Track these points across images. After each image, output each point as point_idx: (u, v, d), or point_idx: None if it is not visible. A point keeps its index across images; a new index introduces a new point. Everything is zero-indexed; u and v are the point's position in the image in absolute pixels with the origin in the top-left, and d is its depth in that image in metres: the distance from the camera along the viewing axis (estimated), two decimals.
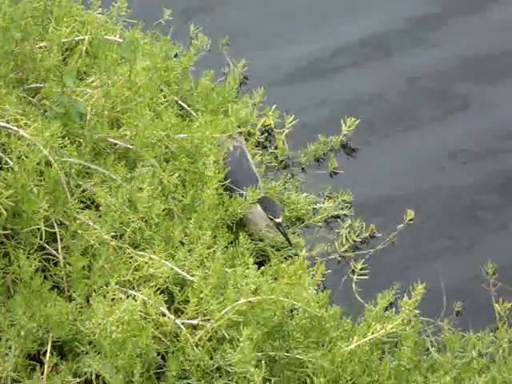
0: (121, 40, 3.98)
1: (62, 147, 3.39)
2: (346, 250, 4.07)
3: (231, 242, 3.65)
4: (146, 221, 3.46)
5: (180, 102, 4.12)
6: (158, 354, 3.15)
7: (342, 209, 4.18)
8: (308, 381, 3.14)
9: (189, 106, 4.14)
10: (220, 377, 3.12)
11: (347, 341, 3.28)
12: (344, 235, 4.09)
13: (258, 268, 3.49)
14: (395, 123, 4.55)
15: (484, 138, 4.48)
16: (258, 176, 3.95)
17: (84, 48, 3.95)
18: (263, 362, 3.05)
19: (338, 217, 4.18)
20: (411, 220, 4.09)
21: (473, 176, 4.35)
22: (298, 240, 3.97)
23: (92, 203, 3.50)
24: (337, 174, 4.36)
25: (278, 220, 3.79)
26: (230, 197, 3.74)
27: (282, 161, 4.39)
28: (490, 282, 3.83)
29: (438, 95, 4.65)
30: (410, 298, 3.23)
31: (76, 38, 3.98)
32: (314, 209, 4.15)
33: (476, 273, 3.90)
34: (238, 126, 4.07)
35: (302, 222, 4.13)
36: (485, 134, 4.48)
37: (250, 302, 3.16)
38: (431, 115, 4.58)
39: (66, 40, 3.95)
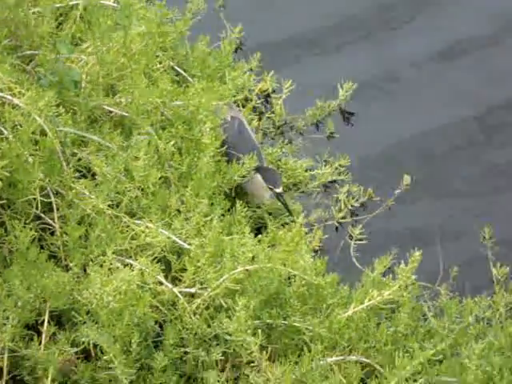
0: (116, 5, 3.93)
1: (56, 116, 3.36)
2: (344, 216, 4.06)
3: (228, 210, 3.64)
4: (142, 189, 3.44)
5: (176, 67, 4.08)
6: (156, 322, 3.15)
7: (339, 174, 4.17)
8: (305, 348, 3.15)
9: (185, 71, 4.10)
10: (217, 345, 3.13)
11: (344, 307, 3.29)
12: (342, 200, 4.08)
13: (255, 236, 3.49)
14: (393, 88, 4.52)
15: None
16: (258, 145, 3.93)
17: (78, 13, 3.90)
18: (260, 330, 3.05)
19: (335, 182, 4.17)
20: (408, 185, 4.08)
21: (474, 136, 4.34)
22: (295, 206, 3.96)
23: (88, 172, 3.48)
24: (334, 138, 4.34)
25: (279, 190, 3.78)
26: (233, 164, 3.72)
27: (280, 126, 4.36)
28: (488, 246, 3.82)
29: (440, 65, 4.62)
30: (406, 265, 3.22)
31: (70, 3, 3.93)
32: (311, 174, 4.14)
33: (474, 236, 3.90)
34: (236, 93, 4.04)
35: (299, 188, 4.12)
36: None
37: (247, 270, 3.16)
38: (428, 79, 4.55)
39: (60, 5, 3.90)
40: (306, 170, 4.13)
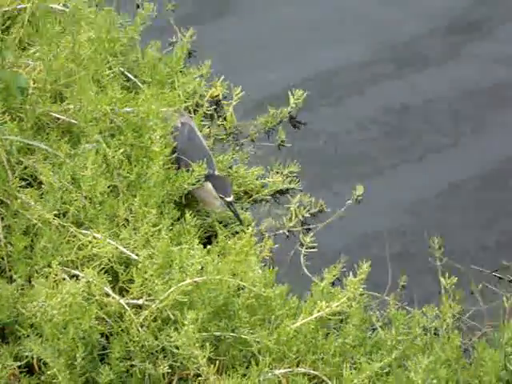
0: (65, 9, 3.87)
1: (2, 123, 3.30)
2: (295, 225, 4.06)
3: (178, 219, 3.61)
4: (90, 199, 3.40)
5: (126, 72, 4.04)
6: (102, 335, 3.11)
7: (290, 182, 4.17)
8: (253, 360, 3.14)
9: (135, 77, 4.06)
10: (165, 357, 3.10)
11: (293, 318, 3.28)
12: (293, 211, 4.07)
13: (205, 244, 3.47)
14: (343, 95, 4.52)
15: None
16: (210, 152, 3.90)
17: (26, 17, 3.83)
18: (209, 342, 3.03)
19: (286, 191, 4.16)
20: (360, 196, 4.09)
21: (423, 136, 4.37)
22: (245, 215, 3.95)
23: (34, 180, 3.43)
24: (285, 147, 4.34)
25: (229, 199, 3.76)
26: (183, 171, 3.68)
27: (231, 133, 4.34)
28: (437, 256, 3.84)
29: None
30: (355, 276, 3.23)
31: (18, 7, 3.86)
32: (262, 183, 4.13)
33: (422, 247, 3.92)
34: (186, 99, 4.01)
35: (250, 197, 4.10)
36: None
37: (195, 282, 3.13)
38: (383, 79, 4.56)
39: (7, 9, 3.83)
40: (256, 179, 4.12)
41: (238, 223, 3.85)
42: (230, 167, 4.13)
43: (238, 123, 4.35)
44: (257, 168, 4.14)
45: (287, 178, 4.16)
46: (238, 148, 4.27)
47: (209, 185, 3.75)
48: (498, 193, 4.21)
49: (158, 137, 3.56)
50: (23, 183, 3.35)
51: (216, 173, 3.85)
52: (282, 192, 4.15)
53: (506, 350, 3.13)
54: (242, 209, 4.03)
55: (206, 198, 3.80)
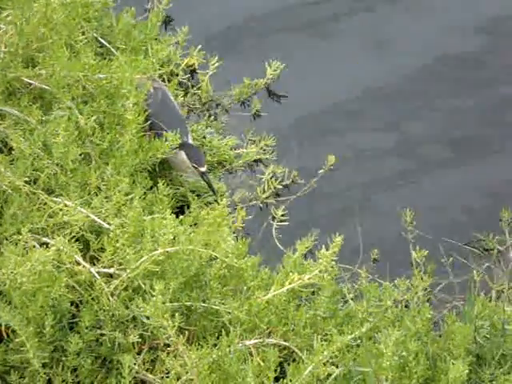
0: None
1: None
2: (268, 196, 4.04)
3: (150, 188, 3.58)
4: (61, 166, 3.35)
5: (100, 38, 3.98)
6: (72, 303, 3.08)
7: (264, 153, 4.14)
8: (224, 331, 3.13)
9: (109, 43, 4.00)
10: (135, 327, 3.08)
11: (265, 290, 3.27)
12: (266, 181, 4.05)
13: (178, 214, 3.44)
14: (318, 64, 4.49)
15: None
16: (183, 118, 3.86)
17: None
18: (179, 312, 3.02)
19: (260, 161, 4.14)
20: (332, 165, 4.08)
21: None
22: (219, 185, 3.93)
23: (5, 146, 3.38)
24: (260, 117, 4.31)
25: (203, 169, 3.73)
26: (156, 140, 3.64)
27: (205, 103, 4.30)
28: (408, 230, 3.85)
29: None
30: (327, 249, 3.22)
31: None
32: (236, 153, 4.10)
33: (394, 220, 3.93)
34: (161, 67, 3.96)
35: (224, 167, 4.08)
36: None
37: (167, 251, 3.11)
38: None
39: None
40: (230, 149, 4.09)
41: (212, 194, 3.82)
42: (204, 137, 4.10)
43: (213, 93, 4.31)
44: (231, 138, 4.12)
45: (261, 149, 4.14)
46: (212, 118, 4.23)
47: (182, 154, 3.71)
48: (467, 166, 4.22)
49: (131, 104, 3.52)
50: None
51: (190, 141, 3.81)
52: (255, 162, 4.13)
53: (475, 323, 3.15)
54: (216, 178, 4.00)
55: (179, 167, 3.77)
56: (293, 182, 4.08)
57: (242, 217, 3.83)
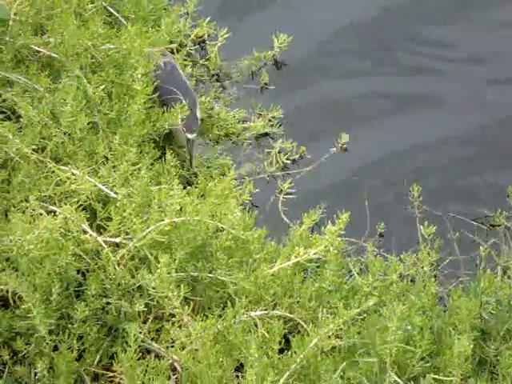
0: None
1: None
2: (275, 170, 4.03)
3: (158, 158, 3.57)
4: (69, 135, 3.35)
5: (109, 7, 3.95)
6: (78, 271, 3.09)
7: (272, 126, 4.13)
8: (229, 302, 3.14)
9: (118, 12, 3.97)
10: (141, 296, 3.09)
11: (271, 263, 3.28)
12: (274, 155, 4.04)
13: (184, 187, 3.44)
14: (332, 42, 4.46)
15: None
16: (193, 91, 3.84)
17: None
18: (185, 282, 3.02)
19: (268, 134, 4.13)
20: (344, 144, 4.06)
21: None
22: (225, 160, 3.92)
23: (13, 114, 3.37)
24: (268, 90, 4.29)
25: (190, 136, 3.70)
26: (164, 112, 3.63)
27: (214, 74, 4.28)
28: (416, 204, 3.85)
29: None
30: (334, 224, 3.22)
31: None
32: (243, 126, 4.08)
33: (402, 194, 3.92)
34: (171, 40, 3.94)
35: (231, 140, 4.07)
36: None
37: (173, 222, 3.11)
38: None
39: None
40: (238, 122, 4.08)
41: (191, 168, 3.76)
42: (212, 109, 4.09)
43: (221, 64, 4.29)
44: (239, 111, 4.10)
45: (269, 121, 4.13)
46: (220, 90, 4.21)
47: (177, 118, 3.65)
48: (481, 146, 4.20)
49: (139, 75, 3.50)
50: (1, 116, 3.29)
51: (197, 113, 3.79)
52: (263, 135, 4.11)
53: (481, 298, 3.15)
54: (222, 154, 3.99)
55: (177, 137, 3.74)
56: (301, 157, 4.07)
57: (248, 189, 3.82)
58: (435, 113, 4.29)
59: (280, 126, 4.13)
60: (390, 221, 3.86)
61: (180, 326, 2.95)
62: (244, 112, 4.12)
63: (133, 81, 3.51)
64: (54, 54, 3.48)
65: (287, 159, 4.04)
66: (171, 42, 4.03)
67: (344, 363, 2.97)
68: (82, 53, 3.51)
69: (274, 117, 4.14)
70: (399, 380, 2.93)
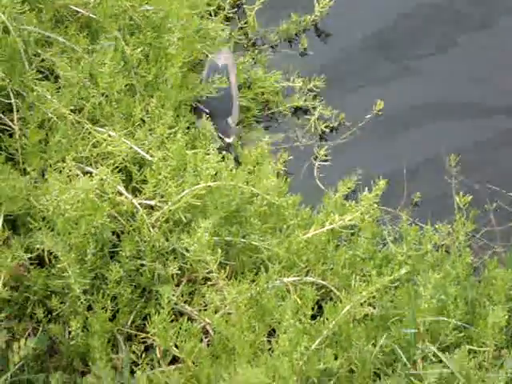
0: None
1: (20, 13, 3.23)
2: (312, 138, 4.00)
3: (194, 123, 3.56)
4: (106, 96, 3.35)
5: None
6: (113, 233, 3.11)
7: (311, 96, 4.08)
8: (263, 267, 3.14)
9: None
10: (175, 259, 3.10)
11: (305, 229, 3.27)
12: (312, 122, 4.01)
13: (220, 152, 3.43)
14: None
15: None
16: (235, 98, 3.76)
17: None
18: (219, 247, 3.03)
19: (306, 107, 4.08)
20: (380, 110, 4.02)
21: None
22: (260, 128, 3.89)
23: (51, 74, 3.37)
24: (307, 55, 4.25)
25: (228, 140, 3.68)
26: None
27: (252, 38, 4.25)
28: (453, 174, 3.80)
29: None
30: (370, 191, 3.19)
31: None
32: (282, 93, 4.05)
33: (439, 164, 3.88)
34: (208, 4, 3.91)
35: (269, 109, 4.04)
36: None
37: (209, 186, 3.11)
38: None
39: None
40: (276, 81, 4.02)
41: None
42: (249, 70, 4.05)
43: (259, 30, 4.26)
44: (276, 72, 4.05)
45: (310, 90, 4.07)
46: (257, 53, 4.17)
47: (208, 124, 3.57)
48: None
49: (175, 39, 3.48)
50: (40, 76, 3.29)
51: (230, 122, 3.71)
52: (301, 108, 4.07)
53: None
54: (258, 122, 3.97)
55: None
56: (340, 124, 4.03)
57: (284, 158, 3.80)
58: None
59: (318, 96, 4.07)
60: (426, 190, 3.83)
61: (215, 290, 2.96)
62: (281, 73, 4.06)
63: (169, 45, 3.49)
64: (92, 15, 3.47)
65: (326, 127, 4.01)
66: (209, 5, 3.99)
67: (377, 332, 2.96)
68: (120, 14, 3.50)
69: (315, 86, 4.09)
70: (432, 349, 2.92)
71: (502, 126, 4.08)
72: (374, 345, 2.95)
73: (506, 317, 2.91)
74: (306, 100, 4.06)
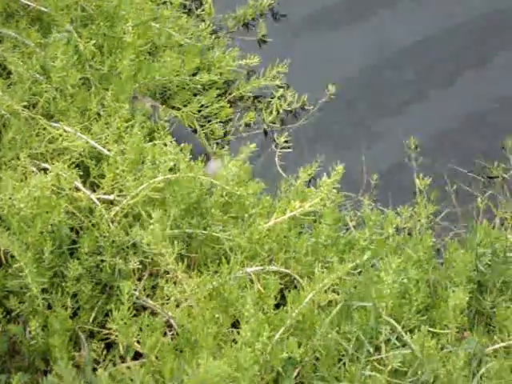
0: None
1: None
2: (273, 122, 3.98)
3: (150, 116, 3.53)
4: (60, 91, 3.30)
5: None
6: (72, 229, 3.07)
7: (273, 79, 4.05)
8: (225, 258, 3.12)
9: None
10: (135, 253, 3.07)
11: (266, 217, 3.25)
12: (274, 104, 3.98)
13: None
14: None
15: None
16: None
17: None
18: (180, 239, 3.00)
19: (267, 88, 4.06)
20: (331, 94, 4.00)
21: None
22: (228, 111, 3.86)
23: (3, 70, 3.32)
24: (266, 43, 4.22)
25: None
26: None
27: (209, 25, 4.21)
28: (412, 157, 3.80)
29: None
30: (329, 177, 3.18)
31: None
32: (245, 76, 4.00)
33: (399, 147, 3.88)
34: None
35: (230, 94, 4.01)
36: None
37: (167, 179, 3.08)
38: None
39: None
40: (233, 60, 3.98)
41: None
42: (208, 50, 4.00)
43: (216, 16, 4.22)
44: (234, 49, 4.00)
45: (274, 77, 4.05)
46: (215, 38, 4.13)
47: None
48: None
49: (130, 27, 3.44)
50: None
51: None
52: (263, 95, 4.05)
53: (477, 251, 3.12)
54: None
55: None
56: (302, 107, 4.01)
57: (246, 146, 3.77)
58: None
59: (281, 78, 4.05)
60: (387, 173, 3.83)
61: (175, 283, 2.94)
62: (238, 50, 4.01)
63: (124, 33, 3.45)
64: (43, 8, 3.42)
65: (287, 108, 3.97)
66: None
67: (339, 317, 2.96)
68: (72, 5, 3.45)
69: (279, 71, 4.06)
70: (395, 333, 2.92)
71: (463, 110, 4.09)
72: (338, 332, 2.94)
73: (467, 298, 2.91)
74: (266, 86, 4.03)
